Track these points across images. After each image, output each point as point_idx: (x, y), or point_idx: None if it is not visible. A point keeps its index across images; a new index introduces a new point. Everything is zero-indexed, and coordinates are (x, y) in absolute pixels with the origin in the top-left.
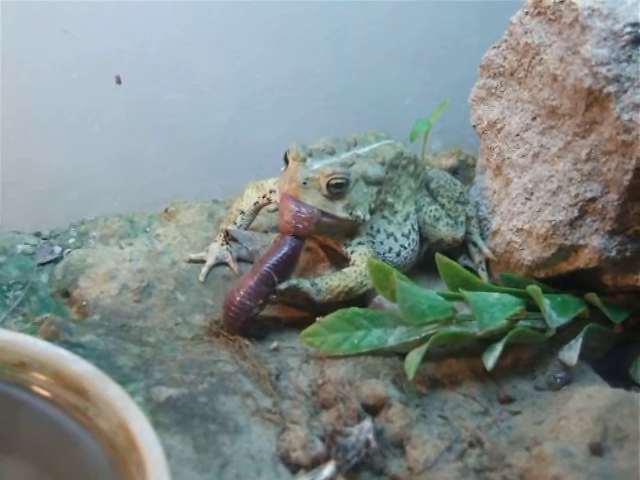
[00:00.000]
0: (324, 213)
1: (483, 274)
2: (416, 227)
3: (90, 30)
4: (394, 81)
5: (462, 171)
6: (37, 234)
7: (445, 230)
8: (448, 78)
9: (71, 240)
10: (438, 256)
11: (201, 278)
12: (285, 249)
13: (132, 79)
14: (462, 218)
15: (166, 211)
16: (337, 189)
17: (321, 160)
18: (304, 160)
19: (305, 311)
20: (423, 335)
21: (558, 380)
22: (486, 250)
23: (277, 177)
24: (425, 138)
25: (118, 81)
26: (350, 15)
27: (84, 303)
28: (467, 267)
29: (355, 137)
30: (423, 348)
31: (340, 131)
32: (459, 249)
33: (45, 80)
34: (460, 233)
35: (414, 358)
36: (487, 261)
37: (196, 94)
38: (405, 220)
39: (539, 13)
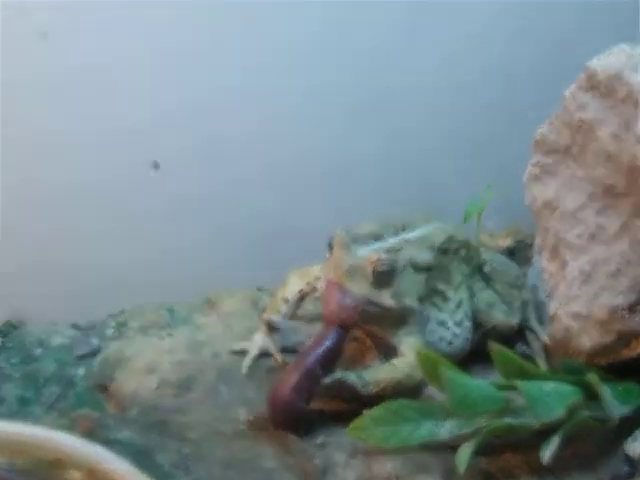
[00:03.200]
0: (370, 302)
1: (542, 362)
2: (469, 314)
3: (126, 111)
4: (445, 160)
5: (520, 252)
6: (74, 325)
7: (499, 316)
8: (502, 154)
9: (109, 331)
10: (490, 344)
11: (244, 370)
12: (329, 341)
13: (170, 165)
14: (517, 303)
15: (208, 300)
16: (384, 276)
17: (367, 246)
18: (349, 246)
19: (352, 404)
20: (475, 427)
21: (622, 473)
22: (544, 336)
23: (323, 264)
24: (479, 219)
25: (155, 166)
26: (399, 96)
27: (122, 397)
28: (525, 355)
29: (403, 221)
30: (474, 441)
31: (389, 215)
32: (516, 336)
33: (74, 167)
34: (515, 319)
35: (464, 452)
36: (546, 348)
37: (239, 181)
38: (457, 307)
39: (592, 87)
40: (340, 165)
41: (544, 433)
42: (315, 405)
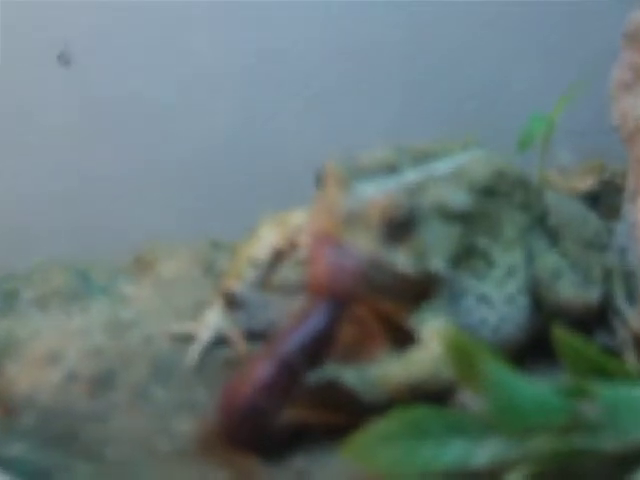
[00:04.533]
0: (377, 264)
1: (631, 357)
2: (526, 286)
3: None
4: (496, 55)
5: (606, 198)
6: None
7: (570, 291)
8: (581, 52)
9: None
10: (557, 332)
11: (190, 363)
12: (316, 321)
13: (86, 61)
14: (597, 272)
15: (138, 259)
16: (398, 227)
17: (375, 182)
18: (348, 183)
19: (348, 414)
20: (527, 450)
21: None
22: (635, 321)
23: (309, 208)
24: (545, 146)
25: (64, 61)
26: None
27: (12, 398)
28: (607, 347)
29: (429, 146)
30: (526, 469)
31: (407, 134)
32: (595, 319)
33: None
34: (593, 295)
35: None
36: (638, 337)
37: (189, 83)
38: (508, 276)
39: None
40: (339, 67)
41: (628, 461)
42: (293, 414)
